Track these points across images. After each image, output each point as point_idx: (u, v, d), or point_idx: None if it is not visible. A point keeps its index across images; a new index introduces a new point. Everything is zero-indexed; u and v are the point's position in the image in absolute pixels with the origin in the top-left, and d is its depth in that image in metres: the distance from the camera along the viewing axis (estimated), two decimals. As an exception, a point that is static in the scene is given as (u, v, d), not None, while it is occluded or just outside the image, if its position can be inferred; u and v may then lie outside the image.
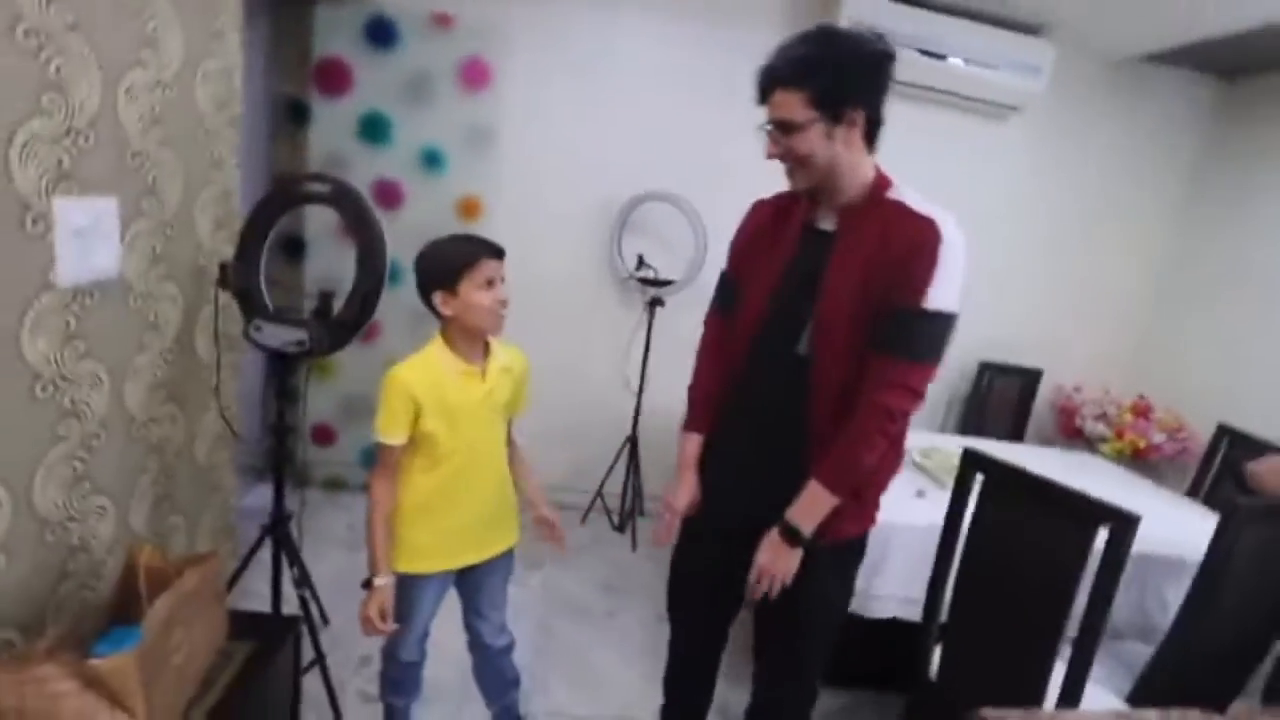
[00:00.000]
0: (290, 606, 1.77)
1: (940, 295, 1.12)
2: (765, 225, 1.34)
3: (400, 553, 1.37)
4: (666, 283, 2.69)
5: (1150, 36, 2.66)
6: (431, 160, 2.66)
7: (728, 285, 1.41)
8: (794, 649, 1.39)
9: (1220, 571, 1.45)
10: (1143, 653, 1.93)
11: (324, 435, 2.86)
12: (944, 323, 1.14)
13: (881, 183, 1.21)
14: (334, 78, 2.57)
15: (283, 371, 1.59)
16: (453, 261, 1.26)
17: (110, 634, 1.18)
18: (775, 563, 1.22)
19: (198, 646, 1.21)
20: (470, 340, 1.33)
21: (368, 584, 1.34)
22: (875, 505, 1.33)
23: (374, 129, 2.61)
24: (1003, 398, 3.02)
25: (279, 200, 1.57)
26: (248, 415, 2.36)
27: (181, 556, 1.38)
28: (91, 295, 1.26)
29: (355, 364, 2.80)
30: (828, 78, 1.11)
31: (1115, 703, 1.59)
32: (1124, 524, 1.27)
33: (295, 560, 1.64)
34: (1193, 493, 2.43)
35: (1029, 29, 2.60)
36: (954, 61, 2.58)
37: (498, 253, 1.29)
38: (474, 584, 1.50)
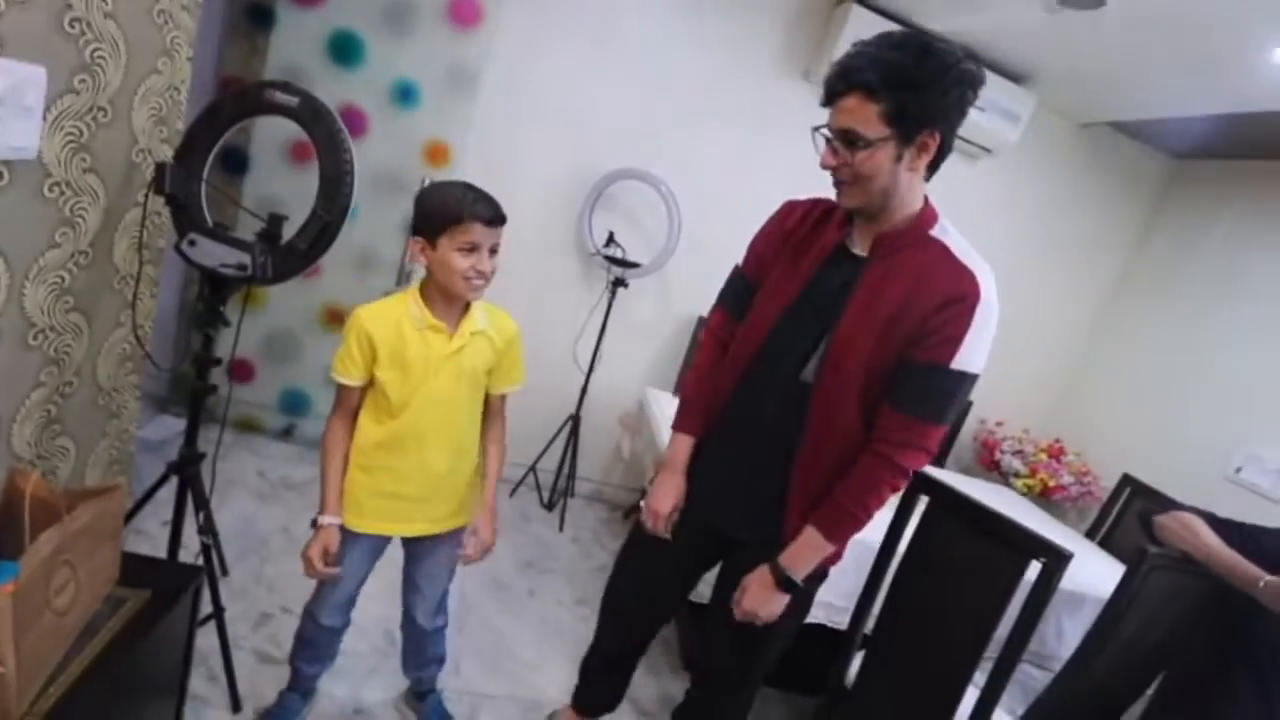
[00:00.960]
0: (187, 555, 1.62)
1: (970, 357, 1.07)
2: (792, 232, 1.24)
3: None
4: (633, 265, 2.63)
5: (1116, 107, 2.81)
6: (404, 94, 2.47)
7: (742, 286, 1.32)
8: (753, 659, 1.38)
9: (1122, 612, 1.55)
10: (1033, 675, 2.06)
11: (243, 372, 2.63)
12: (969, 385, 1.11)
13: (928, 216, 1.12)
14: (307, -16, 2.34)
15: (212, 297, 1.43)
16: (440, 212, 1.17)
17: (-24, 566, 1.02)
18: (762, 606, 1.20)
19: (83, 591, 1.07)
20: (446, 298, 1.24)
21: (314, 523, 1.26)
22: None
23: (344, 49, 2.40)
24: (933, 424, 3.14)
25: (237, 105, 1.40)
26: (158, 337, 2.13)
27: (74, 489, 1.22)
28: (0, 174, 1.08)
29: (287, 300, 2.59)
30: (915, 94, 0.99)
31: (1008, 722, 1.68)
32: (1056, 559, 1.33)
33: (203, 504, 1.49)
34: (1090, 534, 2.61)
35: (1015, 77, 2.68)
36: (941, 93, 2.62)
37: (492, 219, 1.19)
38: (415, 556, 1.42)
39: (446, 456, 1.31)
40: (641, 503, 1.32)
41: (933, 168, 1.10)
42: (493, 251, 1.22)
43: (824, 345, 1.14)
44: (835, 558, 1.30)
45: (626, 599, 1.50)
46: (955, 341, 1.05)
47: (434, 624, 1.47)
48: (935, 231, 1.12)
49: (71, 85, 1.18)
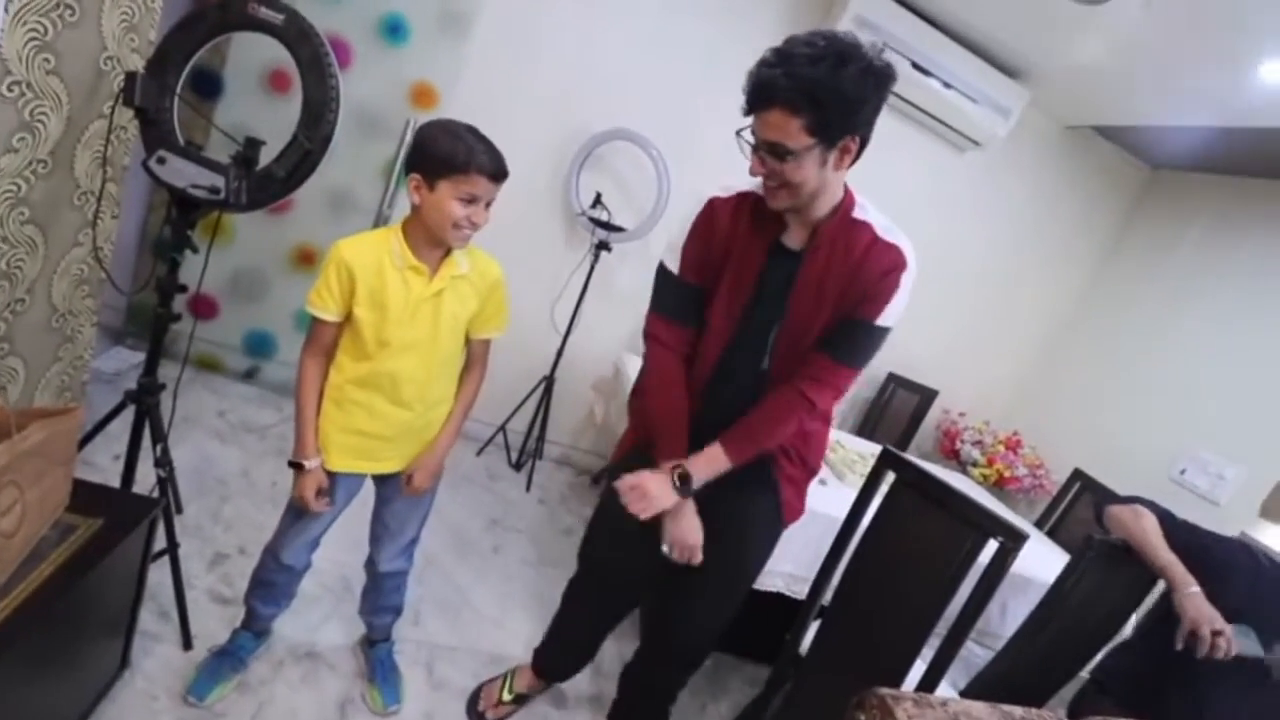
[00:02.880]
0: (140, 489, 1.56)
1: (892, 313, 1.18)
2: (727, 232, 1.23)
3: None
4: (618, 229, 2.59)
5: (1102, 110, 2.85)
6: (392, 30, 2.37)
7: (684, 294, 1.28)
8: (716, 614, 1.41)
9: (1066, 594, 1.62)
10: (975, 651, 2.15)
11: (205, 308, 2.53)
12: (884, 336, 1.21)
13: (849, 201, 1.19)
14: (293, -98, 2.21)
15: (180, 221, 1.36)
16: (447, 156, 1.13)
17: (-86, 482, 0.97)
18: (654, 491, 1.21)
19: (30, 513, 1.03)
20: (429, 240, 1.20)
21: (296, 466, 1.23)
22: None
23: (331, -24, 2.28)
24: (899, 410, 3.21)
25: (217, 17, 1.32)
26: (116, 265, 2.03)
27: (28, 408, 1.16)
28: (-48, 64, 1.00)
29: (255, 235, 2.49)
30: (834, 108, 1.03)
31: (950, 692, 1.74)
32: (1013, 538, 1.37)
33: (160, 436, 1.43)
34: (1039, 524, 2.71)
35: (1010, 71, 2.70)
36: (936, 82, 2.63)
37: (497, 175, 1.17)
38: (386, 497, 1.40)
39: (421, 399, 1.28)
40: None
41: (853, 160, 1.14)
42: (487, 205, 1.20)
43: (774, 336, 1.22)
44: (798, 511, 1.38)
45: (598, 586, 1.52)
46: (884, 302, 1.17)
47: (395, 566, 1.45)
48: (857, 213, 1.18)
49: (36, -25, 1.10)
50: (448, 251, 1.24)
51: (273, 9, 1.29)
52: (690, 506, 1.27)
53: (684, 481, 1.22)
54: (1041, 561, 2.13)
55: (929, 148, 2.96)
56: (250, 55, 2.28)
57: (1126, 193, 3.31)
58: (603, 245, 2.60)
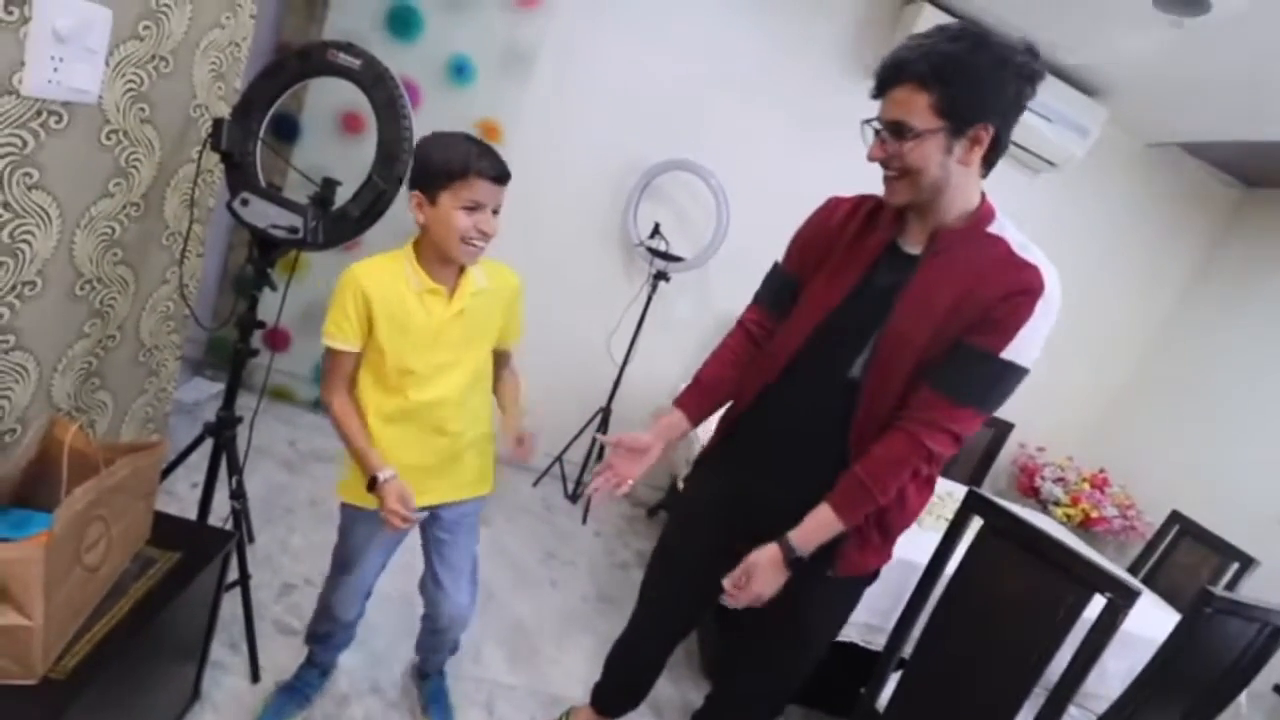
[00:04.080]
0: (215, 519, 1.59)
1: (1023, 349, 1.02)
2: (838, 228, 1.19)
3: (345, 480, 1.25)
4: (677, 258, 2.57)
5: (1189, 127, 2.68)
6: (458, 71, 2.44)
7: (781, 281, 1.27)
8: (786, 674, 1.33)
9: (1180, 654, 1.46)
10: (1070, 714, 1.97)
11: (279, 340, 2.63)
12: (1017, 377, 1.05)
13: (985, 213, 1.08)
14: (369, -46, 2.32)
15: (261, 259, 1.40)
16: (442, 165, 1.07)
17: (8, 514, 1.00)
18: (767, 584, 1.12)
19: (115, 548, 1.05)
20: (441, 259, 1.15)
21: (372, 485, 1.15)
22: (896, 539, 1.25)
23: (402, 22, 2.38)
24: (973, 444, 3.04)
25: (298, 64, 1.37)
26: (198, 301, 2.13)
27: (113, 443, 1.20)
28: (59, 116, 1.06)
29: (326, 270, 2.57)
30: (966, 85, 0.96)
31: (1048, 764, 1.59)
32: (1124, 594, 1.25)
33: (236, 469, 1.47)
34: (1133, 570, 2.50)
35: (1087, 89, 2.58)
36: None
37: (498, 176, 1.10)
38: (432, 538, 1.35)
39: (457, 424, 1.23)
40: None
41: (988, 163, 1.05)
42: (494, 211, 1.13)
43: (873, 342, 1.10)
44: (885, 556, 1.25)
45: (664, 579, 1.44)
46: (1011, 331, 1.01)
47: (460, 605, 1.38)
48: (993, 228, 1.07)
49: (136, 31, 1.16)
50: (463, 268, 1.19)
51: (350, 55, 1.33)
52: (655, 440, 1.26)
53: (794, 560, 1.12)
54: (1140, 614, 1.95)
55: (1002, 171, 2.81)
56: (325, 99, 2.39)
57: (1217, 212, 3.10)
58: (661, 275, 2.59)
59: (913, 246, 1.11)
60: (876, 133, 1.05)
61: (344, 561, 1.32)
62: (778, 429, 1.22)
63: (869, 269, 1.13)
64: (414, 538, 1.38)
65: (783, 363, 1.19)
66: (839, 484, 1.11)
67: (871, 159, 1.07)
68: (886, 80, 1.01)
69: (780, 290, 1.27)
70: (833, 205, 1.25)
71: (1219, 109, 2.44)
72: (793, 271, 1.26)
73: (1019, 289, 1.01)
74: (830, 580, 1.20)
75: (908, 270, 1.09)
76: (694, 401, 1.30)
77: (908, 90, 0.98)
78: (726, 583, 1.14)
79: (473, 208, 1.09)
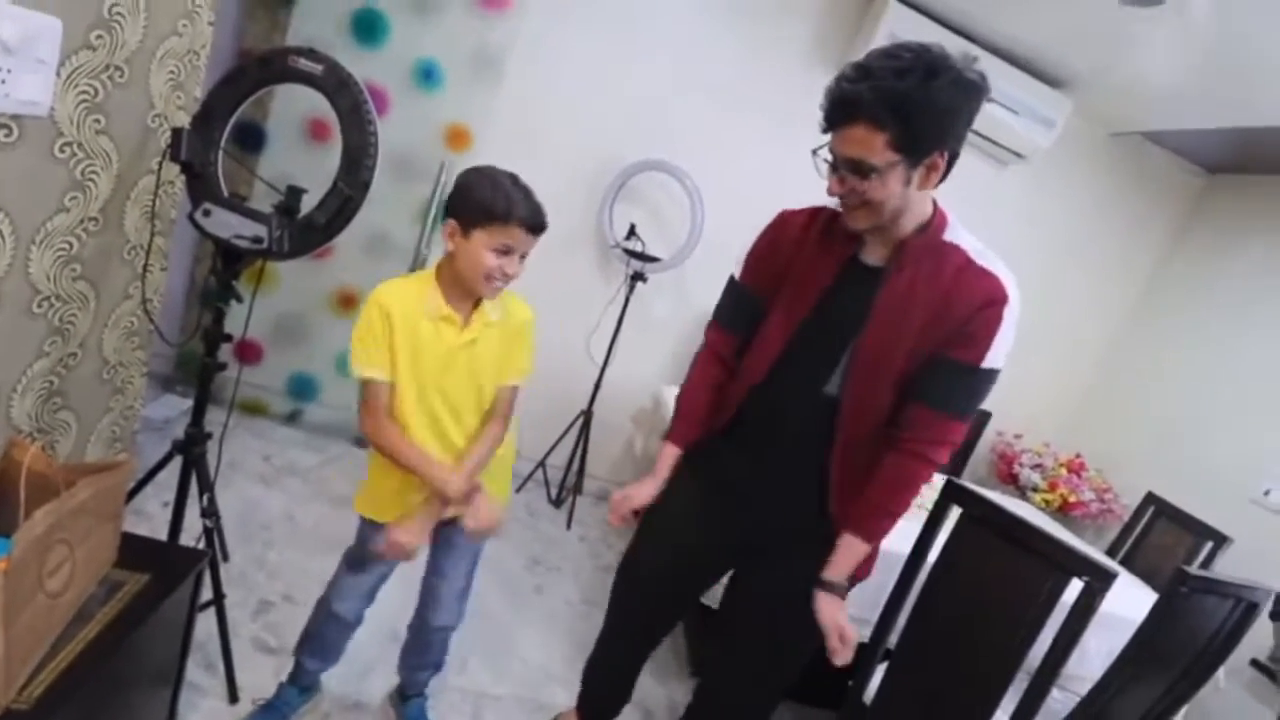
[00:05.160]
0: (188, 538, 1.56)
1: (997, 354, 1.08)
2: (795, 243, 1.21)
3: (362, 493, 1.29)
4: (653, 259, 2.56)
5: (1151, 116, 2.74)
6: (426, 76, 2.42)
7: (742, 300, 1.27)
8: (779, 672, 1.34)
9: (1158, 634, 1.48)
10: (1054, 696, 1.99)
11: (250, 353, 2.58)
12: (994, 380, 1.12)
13: (939, 221, 1.11)
14: (330, -41, 2.29)
15: (225, 271, 1.37)
16: (486, 205, 1.10)
17: (-33, 541, 0.97)
18: (842, 620, 1.16)
19: (79, 572, 1.02)
20: (461, 287, 1.17)
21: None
22: None
23: (367, 27, 2.35)
24: (951, 434, 3.08)
25: (258, 72, 1.35)
26: (164, 316, 2.08)
27: (75, 464, 1.17)
28: (9, 130, 1.02)
29: (297, 281, 2.54)
30: (922, 121, 0.96)
31: (1034, 748, 1.61)
32: (1101, 577, 1.27)
33: (207, 486, 1.43)
34: (1111, 552, 2.54)
35: (1051, 81, 2.62)
36: (974, 95, 2.56)
37: (535, 228, 1.14)
38: (439, 546, 1.36)
39: (466, 439, 1.25)
40: (616, 493, 1.28)
41: (942, 178, 1.08)
42: (522, 257, 1.16)
43: (846, 359, 1.13)
44: (869, 563, 1.27)
45: (633, 597, 1.45)
46: (986, 342, 1.07)
47: (446, 620, 1.39)
48: (949, 235, 1.10)
49: (88, 41, 1.13)
50: (480, 299, 1.21)
51: (312, 60, 1.31)
52: (652, 483, 1.29)
53: (844, 591, 1.18)
54: (1119, 595, 1.98)
55: (968, 164, 2.83)
56: (291, 107, 2.35)
57: (1181, 199, 3.16)
58: (638, 276, 2.58)
59: (874, 259, 1.15)
60: (832, 166, 1.06)
61: (356, 561, 1.34)
62: (753, 443, 1.25)
63: (833, 284, 1.16)
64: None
65: (755, 380, 1.22)
66: (859, 512, 1.16)
67: (831, 194, 1.09)
68: (839, 117, 1.01)
69: (738, 309, 1.28)
70: (785, 219, 1.25)
71: (1177, 98, 2.50)
72: (752, 287, 1.26)
73: (986, 301, 1.06)
74: (816, 582, 1.22)
75: (873, 285, 1.12)
76: (684, 432, 1.32)
77: (863, 130, 0.98)
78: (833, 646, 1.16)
79: (503, 251, 1.12)
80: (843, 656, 1.16)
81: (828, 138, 1.06)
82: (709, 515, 1.30)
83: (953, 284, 1.07)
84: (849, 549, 1.17)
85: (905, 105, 0.95)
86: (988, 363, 1.08)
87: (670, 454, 1.32)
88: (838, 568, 1.17)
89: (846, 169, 1.03)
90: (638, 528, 1.46)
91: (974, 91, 0.99)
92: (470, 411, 1.24)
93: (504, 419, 1.29)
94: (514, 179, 1.14)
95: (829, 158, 1.06)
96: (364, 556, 1.31)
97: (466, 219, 1.11)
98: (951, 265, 1.08)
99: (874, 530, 1.17)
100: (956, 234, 1.11)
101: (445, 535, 1.36)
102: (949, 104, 0.96)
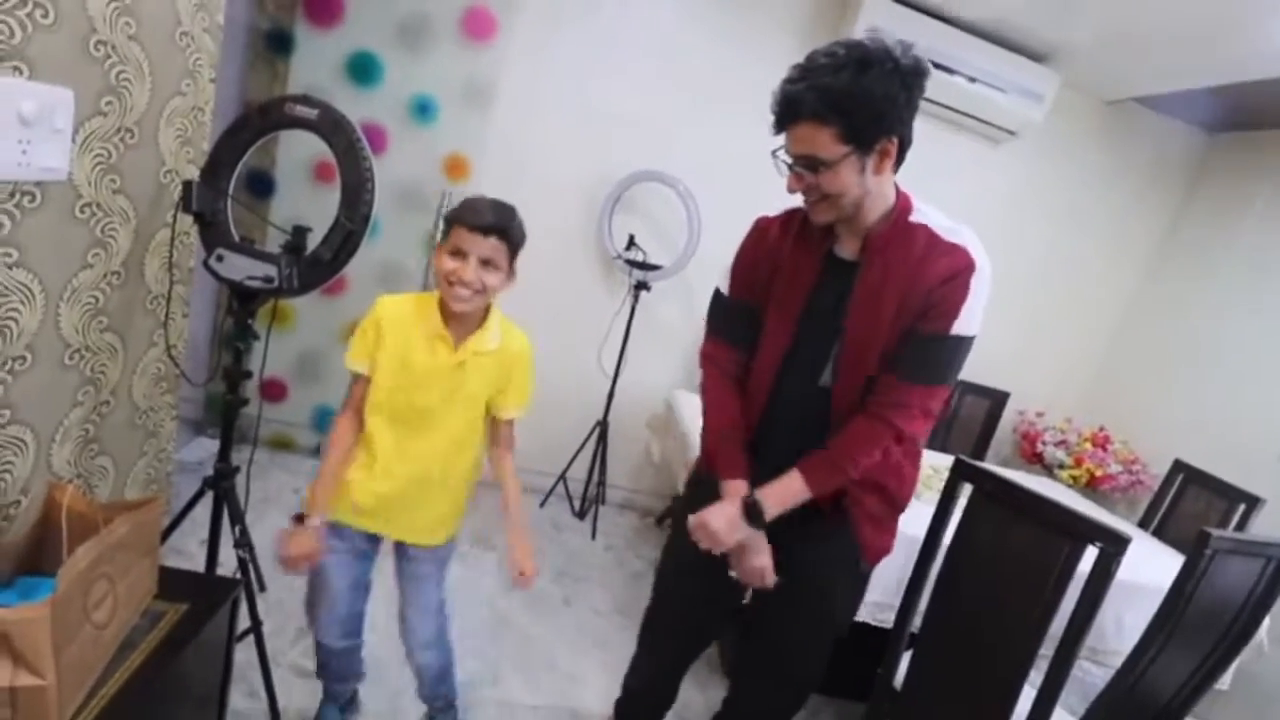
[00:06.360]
0: (224, 570, 1.62)
1: (967, 321, 1.10)
2: (774, 248, 1.24)
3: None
4: (655, 267, 2.61)
5: (1141, 81, 2.72)
6: (422, 110, 2.51)
7: (736, 311, 1.29)
8: (803, 672, 1.35)
9: (1187, 599, 1.46)
10: (1092, 672, 1.96)
11: (275, 391, 2.67)
12: (966, 346, 1.13)
13: (903, 205, 1.14)
14: (324, 7, 2.39)
15: (241, 311, 1.45)
16: (448, 216, 1.20)
17: (16, 584, 1.03)
18: (720, 529, 1.17)
19: (121, 604, 1.08)
20: (452, 309, 1.22)
21: (299, 518, 1.22)
22: (903, 511, 1.32)
23: (362, 70, 2.45)
24: (970, 417, 3.06)
25: (258, 121, 1.42)
26: (191, 360, 2.17)
27: (112, 503, 1.23)
28: (32, 196, 1.10)
29: (314, 318, 2.63)
30: (862, 111, 1.01)
31: (1069, 719, 1.59)
32: (1114, 543, 1.27)
33: (238, 518, 1.50)
34: (1143, 524, 2.50)
35: (1036, 56, 2.62)
36: (961, 79, 2.58)
37: (479, 227, 1.16)
38: (399, 570, 1.39)
39: (435, 468, 1.28)
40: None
41: (898, 162, 1.10)
42: (487, 265, 1.18)
43: (835, 352, 1.16)
44: (883, 550, 1.29)
45: (666, 621, 1.47)
46: (954, 311, 1.09)
47: (427, 658, 1.41)
48: (914, 217, 1.13)
49: (99, 108, 1.21)
50: (480, 324, 1.25)
51: (307, 106, 1.38)
52: (761, 540, 1.21)
53: (754, 513, 1.17)
54: (1154, 565, 1.95)
55: (964, 145, 2.88)
56: (296, 152, 2.45)
57: (1183, 161, 3.13)
58: (641, 285, 2.63)
59: (848, 253, 1.18)
60: (789, 166, 1.11)
61: (312, 583, 1.37)
62: (768, 446, 1.26)
63: (814, 282, 1.19)
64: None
65: (766, 386, 1.24)
66: (810, 457, 1.17)
67: (791, 191, 1.13)
68: (785, 117, 1.07)
69: (735, 321, 1.30)
70: (763, 227, 1.28)
71: (1165, 61, 2.48)
72: (743, 300, 1.28)
73: (951, 273, 1.08)
74: (841, 573, 1.23)
75: (849, 278, 1.15)
76: (732, 454, 1.26)
77: (809, 127, 1.04)
78: (689, 523, 1.20)
79: (455, 253, 1.17)
80: (702, 544, 1.18)
81: (781, 140, 1.10)
82: None
83: (920, 262, 1.10)
84: (787, 483, 1.16)
85: (843, 99, 1.00)
86: (956, 330, 1.09)
87: (736, 485, 1.24)
88: (768, 492, 1.17)
89: (801, 166, 1.08)
90: (668, 539, 1.49)
91: (911, 77, 1.03)
92: (442, 431, 1.26)
93: (508, 449, 1.36)
94: (489, 198, 1.21)
95: (787, 158, 1.11)
96: (316, 576, 1.33)
97: (441, 237, 1.21)
98: (919, 245, 1.10)
99: (816, 477, 1.16)
100: (921, 214, 1.14)
101: (400, 570, 1.38)
102: (885, 92, 1.00)
